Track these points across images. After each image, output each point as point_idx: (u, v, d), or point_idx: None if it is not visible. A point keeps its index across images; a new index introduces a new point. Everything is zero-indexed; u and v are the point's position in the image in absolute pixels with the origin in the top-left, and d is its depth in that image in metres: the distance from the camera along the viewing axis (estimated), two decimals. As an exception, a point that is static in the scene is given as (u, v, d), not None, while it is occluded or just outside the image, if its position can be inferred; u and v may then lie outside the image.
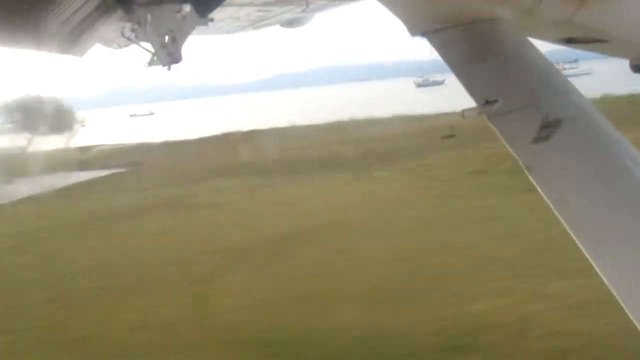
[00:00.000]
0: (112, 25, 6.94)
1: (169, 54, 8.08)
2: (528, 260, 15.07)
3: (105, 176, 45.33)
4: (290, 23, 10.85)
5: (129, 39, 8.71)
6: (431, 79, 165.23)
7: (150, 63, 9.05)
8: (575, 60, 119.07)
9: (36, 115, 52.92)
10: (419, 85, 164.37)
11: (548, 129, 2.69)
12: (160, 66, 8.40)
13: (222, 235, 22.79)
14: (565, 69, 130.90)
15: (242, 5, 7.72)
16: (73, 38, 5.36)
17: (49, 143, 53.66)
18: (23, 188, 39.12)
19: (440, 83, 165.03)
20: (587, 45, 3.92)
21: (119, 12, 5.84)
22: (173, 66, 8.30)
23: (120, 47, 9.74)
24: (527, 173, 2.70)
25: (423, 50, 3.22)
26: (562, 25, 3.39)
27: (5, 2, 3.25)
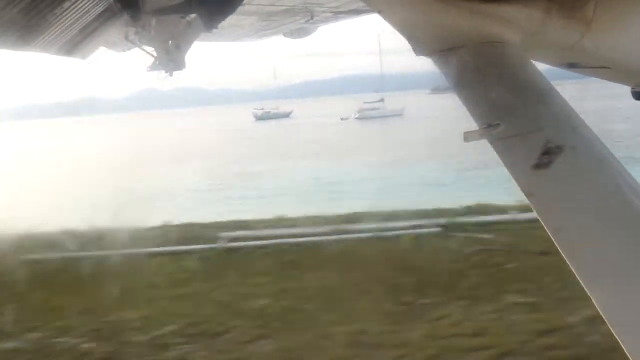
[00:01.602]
0: (117, 29, 6.97)
1: (171, 60, 8.14)
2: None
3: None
4: (294, 33, 10.90)
5: (132, 42, 8.76)
6: (273, 111, 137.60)
7: (152, 67, 9.10)
8: (381, 100, 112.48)
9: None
10: (258, 118, 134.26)
11: (549, 155, 2.69)
12: (163, 72, 8.44)
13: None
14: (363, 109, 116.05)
15: (247, 14, 7.76)
16: (78, 41, 5.38)
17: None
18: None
19: (285, 115, 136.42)
20: (590, 70, 3.94)
21: (125, 17, 5.87)
22: (176, 72, 8.35)
23: (124, 50, 9.78)
24: (527, 199, 2.71)
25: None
26: (566, 50, 3.40)
27: (11, 6, 3.26)
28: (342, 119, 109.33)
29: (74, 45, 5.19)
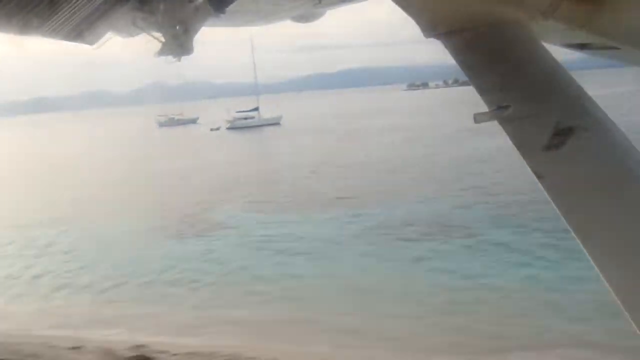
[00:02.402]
0: (125, 14, 6.94)
1: (179, 45, 8.10)
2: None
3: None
4: (302, 18, 10.81)
5: (140, 28, 8.72)
6: (177, 117, 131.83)
7: (161, 53, 9.05)
8: (256, 109, 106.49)
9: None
10: (161, 124, 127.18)
11: (560, 136, 2.67)
12: (171, 57, 8.40)
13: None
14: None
15: None
16: (86, 26, 5.37)
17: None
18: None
19: (192, 121, 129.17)
20: (601, 51, 3.90)
21: (132, 2, 5.85)
22: (184, 58, 8.31)
23: (131, 35, 9.74)
24: (537, 180, 2.69)
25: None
26: (577, 31, 3.37)
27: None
28: (212, 129, 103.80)
29: (82, 30, 5.19)
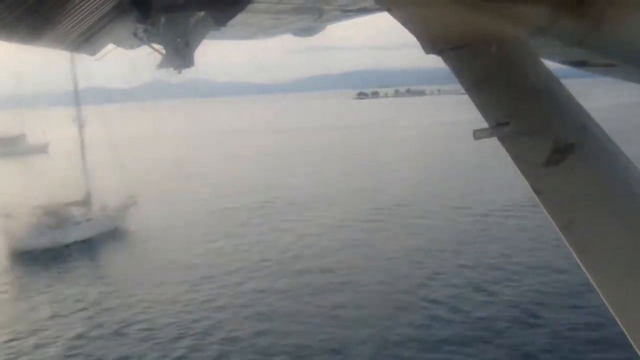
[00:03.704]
0: (126, 26, 6.99)
1: (180, 57, 8.16)
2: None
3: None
4: (302, 32, 10.91)
5: (141, 40, 8.78)
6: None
7: (161, 65, 9.13)
8: (22, 134, 78.57)
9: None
10: None
11: (559, 153, 2.69)
12: (171, 68, 8.47)
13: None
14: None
15: (257, 12, 7.77)
16: (87, 37, 5.41)
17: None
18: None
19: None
20: (599, 69, 3.93)
21: (134, 14, 5.89)
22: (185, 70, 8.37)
23: (132, 47, 9.81)
24: (536, 197, 2.71)
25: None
26: (575, 48, 3.40)
27: (22, 1, 3.28)
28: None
29: (83, 41, 5.23)
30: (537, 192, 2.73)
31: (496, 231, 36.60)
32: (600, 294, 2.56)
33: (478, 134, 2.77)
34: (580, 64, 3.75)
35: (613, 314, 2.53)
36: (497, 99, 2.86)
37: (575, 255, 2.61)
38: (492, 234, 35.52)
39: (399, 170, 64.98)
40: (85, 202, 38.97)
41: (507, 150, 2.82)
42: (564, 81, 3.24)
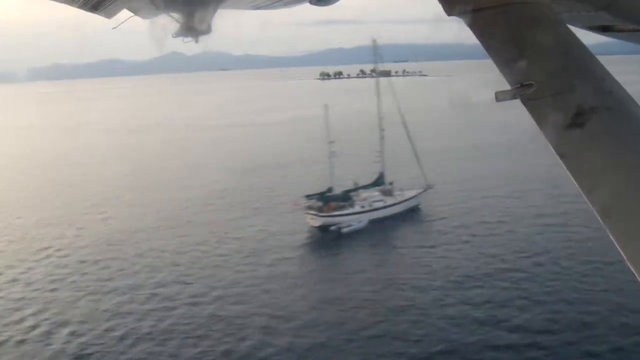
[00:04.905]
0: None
1: (198, 26, 8.08)
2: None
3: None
4: (321, 0, 10.76)
5: (158, 7, 8.71)
6: None
7: (178, 34, 9.05)
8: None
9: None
10: None
11: (583, 116, 2.66)
12: (189, 37, 8.39)
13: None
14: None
15: None
16: None
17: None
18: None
19: None
20: (624, 34, 3.86)
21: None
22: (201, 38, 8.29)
23: (148, 16, 9.73)
24: (560, 160, 2.69)
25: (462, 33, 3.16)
26: (600, 11, 3.34)
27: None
28: None
29: (99, 1, 5.19)
30: (560, 155, 2.70)
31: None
32: (624, 256, 2.54)
33: (501, 96, 2.74)
34: (604, 29, 3.69)
35: (637, 275, 2.52)
36: (521, 61, 2.82)
37: (598, 218, 2.60)
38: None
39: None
40: None
41: (530, 112, 2.79)
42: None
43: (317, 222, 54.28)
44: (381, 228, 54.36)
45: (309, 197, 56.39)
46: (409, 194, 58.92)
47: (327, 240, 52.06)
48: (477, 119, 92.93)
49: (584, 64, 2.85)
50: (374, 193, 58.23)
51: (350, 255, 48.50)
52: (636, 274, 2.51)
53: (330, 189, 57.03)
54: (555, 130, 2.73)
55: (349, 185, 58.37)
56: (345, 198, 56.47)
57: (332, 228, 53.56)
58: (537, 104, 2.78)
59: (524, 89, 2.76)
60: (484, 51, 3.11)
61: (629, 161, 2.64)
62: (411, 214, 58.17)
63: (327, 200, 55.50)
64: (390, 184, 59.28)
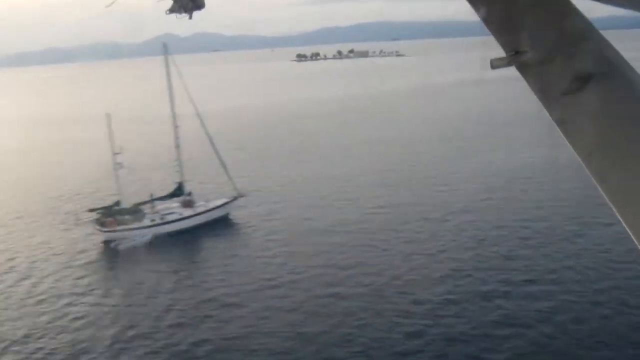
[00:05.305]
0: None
1: (191, 0, 7.99)
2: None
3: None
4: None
5: (151, -17, 8.61)
6: None
7: (172, 10, 8.95)
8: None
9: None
10: None
11: (579, 82, 2.61)
12: (183, 12, 8.30)
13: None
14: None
15: None
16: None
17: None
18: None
19: None
20: (624, 2, 3.78)
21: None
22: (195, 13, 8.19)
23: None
24: (557, 126, 2.65)
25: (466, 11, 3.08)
26: None
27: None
28: None
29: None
30: (557, 121, 2.66)
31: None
32: (622, 222, 2.52)
33: (496, 63, 2.69)
34: None
35: (635, 240, 2.50)
36: (515, 27, 2.77)
37: (596, 184, 2.57)
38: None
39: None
40: None
41: (526, 79, 2.74)
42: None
43: (102, 237, 52.25)
44: (173, 242, 51.40)
45: (93, 210, 54.59)
46: (215, 203, 56.45)
47: (106, 256, 49.36)
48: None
49: (580, 30, 2.79)
50: (174, 204, 55.96)
51: (121, 273, 45.97)
52: (634, 238, 2.49)
53: (118, 202, 54.56)
54: (552, 96, 2.68)
55: (145, 197, 56.00)
56: (135, 212, 54.01)
57: (112, 245, 51.11)
58: (532, 70, 2.73)
59: (519, 56, 2.71)
60: (480, 27, 3.05)
61: (627, 127, 2.60)
62: (217, 225, 54.55)
63: (114, 214, 53.29)
64: (189, 194, 57.27)
